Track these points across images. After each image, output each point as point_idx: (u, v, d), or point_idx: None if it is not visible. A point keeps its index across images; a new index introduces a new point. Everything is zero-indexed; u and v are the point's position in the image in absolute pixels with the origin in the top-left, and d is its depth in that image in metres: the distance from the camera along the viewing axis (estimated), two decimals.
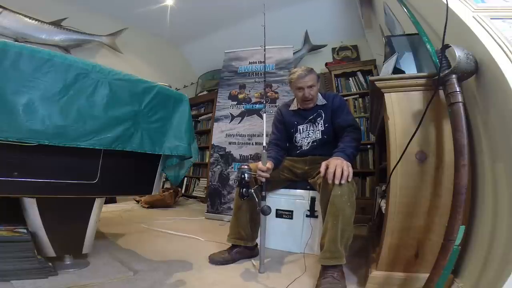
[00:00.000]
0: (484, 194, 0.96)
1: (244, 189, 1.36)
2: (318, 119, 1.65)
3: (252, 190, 1.35)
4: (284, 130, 1.72)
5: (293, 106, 1.73)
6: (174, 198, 3.31)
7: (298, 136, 1.69)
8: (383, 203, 1.25)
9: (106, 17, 3.55)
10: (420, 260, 1.05)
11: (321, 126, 1.64)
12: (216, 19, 3.68)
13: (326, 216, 1.24)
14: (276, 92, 2.67)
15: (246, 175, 1.36)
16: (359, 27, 3.24)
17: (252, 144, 2.61)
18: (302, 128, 1.69)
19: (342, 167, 1.20)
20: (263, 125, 1.56)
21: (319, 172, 1.29)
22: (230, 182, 2.59)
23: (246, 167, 1.39)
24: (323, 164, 1.25)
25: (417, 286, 1.00)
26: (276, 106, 2.47)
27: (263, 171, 1.38)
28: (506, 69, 0.82)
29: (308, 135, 1.67)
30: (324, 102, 1.65)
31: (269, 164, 1.42)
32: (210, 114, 4.05)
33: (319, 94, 1.67)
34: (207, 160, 3.69)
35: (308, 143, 1.66)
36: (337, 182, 1.19)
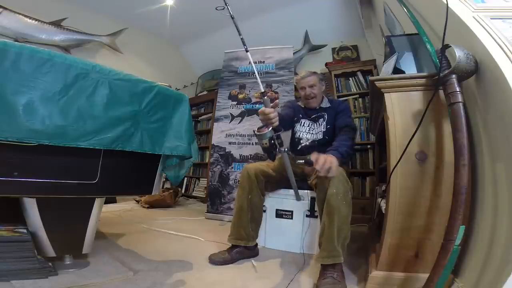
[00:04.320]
0: (484, 194, 0.96)
1: (274, 151, 1.40)
2: (321, 120, 1.70)
3: (285, 149, 1.37)
4: (289, 114, 1.76)
5: (300, 103, 1.82)
6: (174, 198, 3.31)
7: (297, 126, 1.74)
8: (383, 203, 1.25)
9: (106, 17, 3.55)
10: (420, 260, 1.05)
11: (323, 127, 1.68)
12: (216, 19, 3.66)
13: (323, 216, 1.24)
14: (276, 92, 2.67)
15: (265, 140, 1.32)
16: (359, 27, 3.24)
17: (252, 144, 2.60)
18: (304, 122, 1.74)
19: (331, 163, 1.18)
20: None
21: (316, 173, 1.29)
22: (230, 182, 2.59)
23: (260, 130, 1.33)
24: (315, 153, 1.22)
25: (417, 286, 1.00)
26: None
27: (269, 113, 1.32)
28: (506, 69, 0.82)
29: (308, 131, 1.71)
30: (329, 105, 1.72)
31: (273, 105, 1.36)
32: (210, 114, 4.05)
33: (325, 98, 1.75)
34: (207, 160, 3.68)
35: (309, 140, 1.69)
36: (323, 172, 1.16)
